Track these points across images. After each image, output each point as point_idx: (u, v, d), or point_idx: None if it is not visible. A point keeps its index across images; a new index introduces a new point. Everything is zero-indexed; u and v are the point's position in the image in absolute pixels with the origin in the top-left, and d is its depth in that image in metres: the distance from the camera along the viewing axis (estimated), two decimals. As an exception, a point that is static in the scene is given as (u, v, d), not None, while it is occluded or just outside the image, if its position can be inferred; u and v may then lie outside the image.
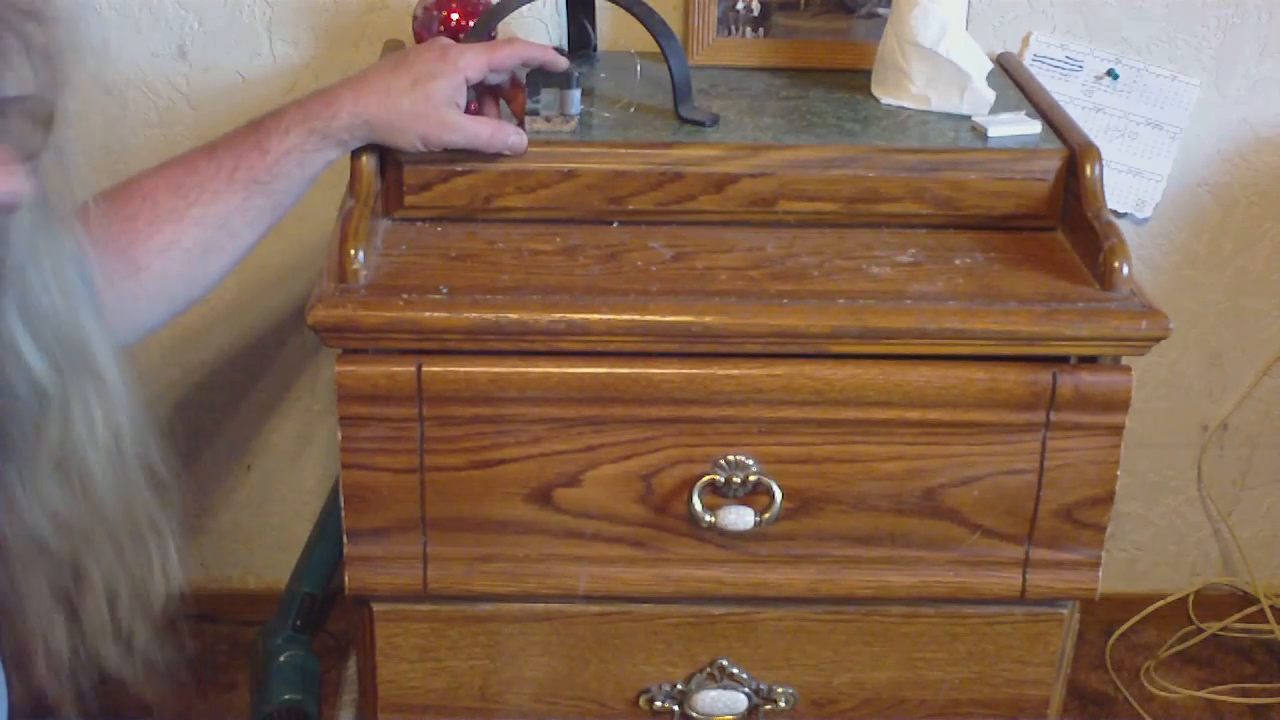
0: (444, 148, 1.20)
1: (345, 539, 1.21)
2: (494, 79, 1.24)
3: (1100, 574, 1.24)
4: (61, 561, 0.87)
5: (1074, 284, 1.20)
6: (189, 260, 1.13)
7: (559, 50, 1.52)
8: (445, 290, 1.15)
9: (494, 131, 1.21)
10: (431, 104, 1.18)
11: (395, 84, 1.17)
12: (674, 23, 1.43)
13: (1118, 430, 1.18)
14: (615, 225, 1.27)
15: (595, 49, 1.51)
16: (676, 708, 1.30)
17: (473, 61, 1.20)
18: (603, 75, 1.44)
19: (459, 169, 1.24)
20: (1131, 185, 1.67)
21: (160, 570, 0.92)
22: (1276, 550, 1.94)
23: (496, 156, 1.23)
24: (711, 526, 1.20)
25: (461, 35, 1.38)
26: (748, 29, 1.51)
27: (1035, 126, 1.32)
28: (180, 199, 1.12)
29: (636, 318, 1.14)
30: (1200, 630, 1.94)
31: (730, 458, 1.19)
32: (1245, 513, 1.91)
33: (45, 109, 0.77)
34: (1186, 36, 1.61)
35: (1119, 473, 1.20)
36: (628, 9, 1.30)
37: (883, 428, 1.18)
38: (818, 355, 1.16)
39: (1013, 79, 1.47)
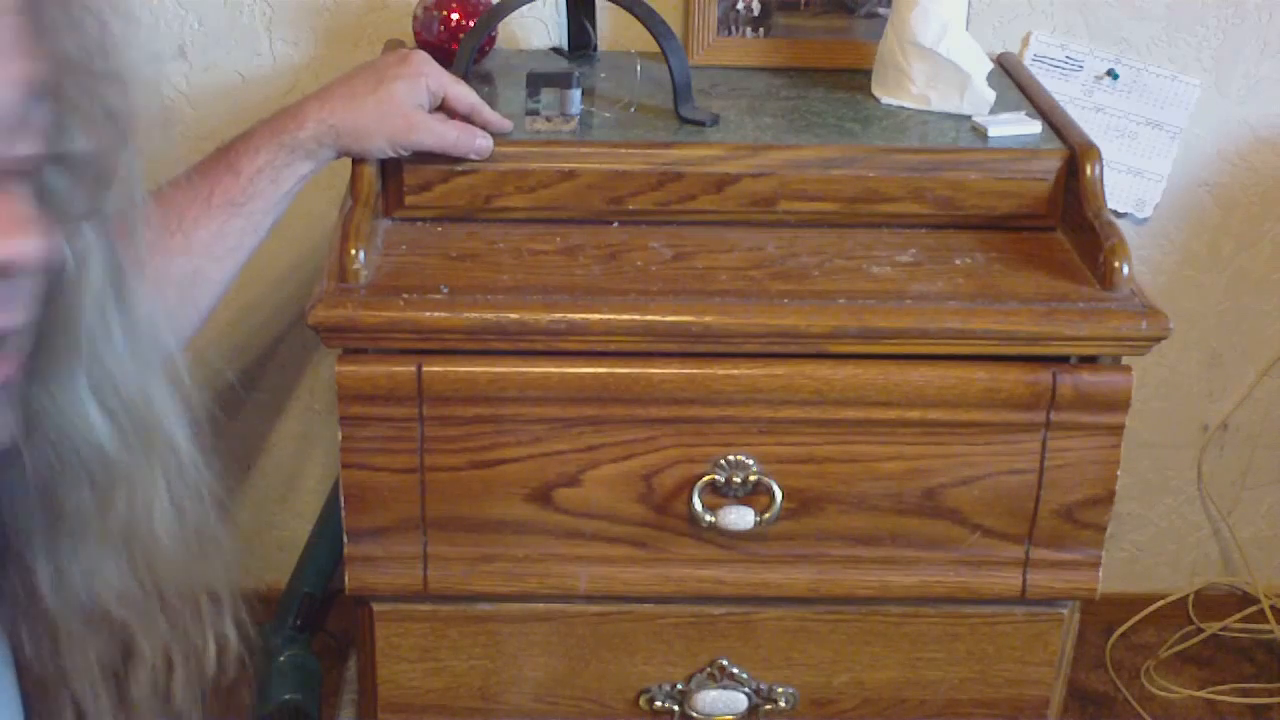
0: (411, 149, 1.20)
1: (345, 539, 1.21)
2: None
3: (1100, 574, 1.24)
4: (113, 636, 0.83)
5: (1074, 284, 1.20)
6: (177, 293, 1.12)
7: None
8: (445, 290, 1.15)
9: (460, 134, 1.21)
10: (396, 104, 1.18)
11: (359, 88, 1.18)
12: (674, 23, 1.43)
13: (1118, 430, 1.18)
14: (615, 225, 1.27)
15: (595, 49, 1.51)
16: (676, 708, 1.30)
17: (435, 73, 1.21)
18: (603, 75, 1.44)
19: (459, 169, 1.24)
20: (1131, 185, 1.67)
21: (215, 640, 0.87)
22: (1276, 550, 1.94)
23: (497, 157, 1.23)
24: (712, 526, 1.20)
25: (462, 35, 1.39)
26: (748, 29, 1.51)
27: (1035, 126, 1.32)
28: (159, 232, 1.09)
29: (636, 318, 1.14)
30: (1200, 630, 1.94)
31: (730, 458, 1.19)
32: (1245, 513, 1.91)
33: (101, 170, 0.74)
34: (1186, 36, 1.61)
35: (1119, 473, 1.20)
36: (628, 9, 1.30)
37: (883, 428, 1.18)
38: (818, 355, 1.16)
39: (1013, 79, 1.47)
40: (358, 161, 1.21)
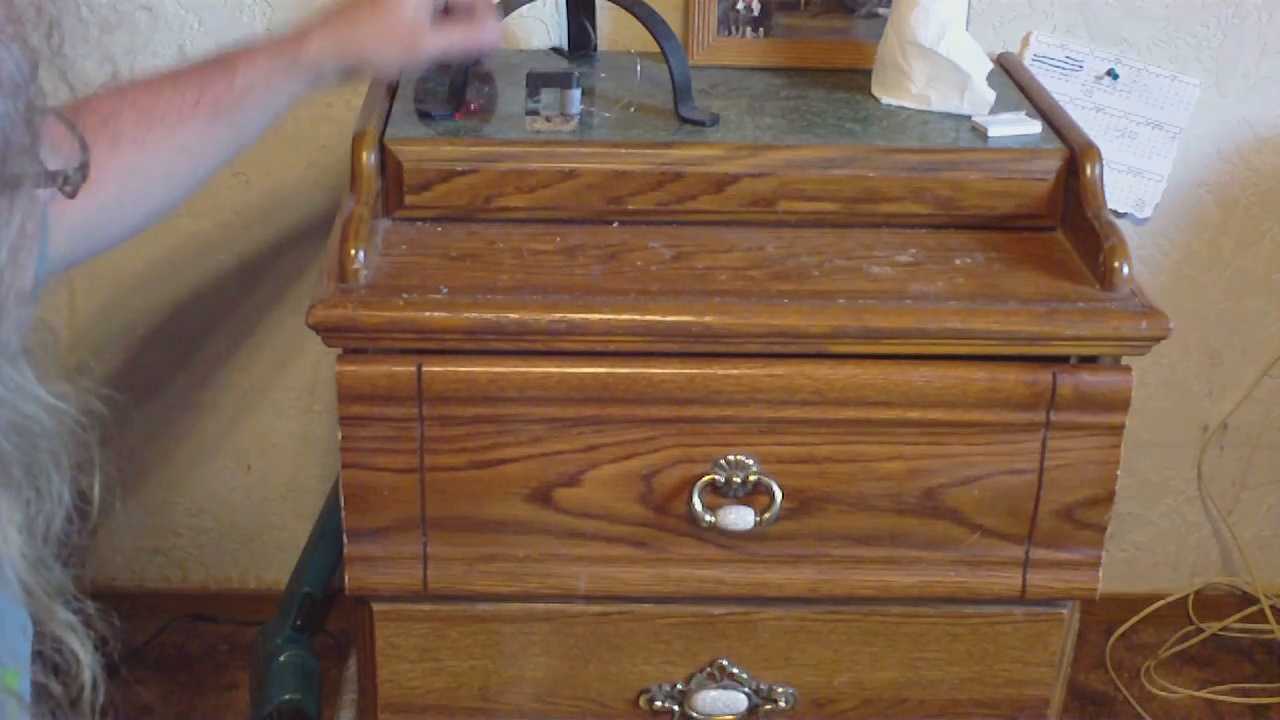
0: (419, 61, 1.19)
1: (345, 539, 1.21)
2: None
3: (1100, 574, 1.24)
4: None
5: (1074, 284, 1.20)
6: (146, 186, 1.10)
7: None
8: (445, 290, 1.15)
9: (466, 33, 1.20)
10: (398, 18, 1.17)
11: (360, 7, 1.17)
12: (674, 23, 1.43)
13: (1118, 430, 1.18)
14: (615, 225, 1.27)
15: (595, 49, 1.51)
16: (676, 708, 1.30)
17: None
18: (603, 75, 1.44)
19: (459, 169, 1.24)
20: (1131, 185, 1.67)
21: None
22: (1276, 550, 1.94)
23: (497, 157, 1.23)
24: (712, 526, 1.20)
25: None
26: (748, 29, 1.51)
27: (1035, 126, 1.32)
28: (142, 123, 1.09)
29: (636, 318, 1.14)
30: (1200, 630, 1.94)
31: (730, 458, 1.19)
32: (1245, 513, 1.91)
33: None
34: (1186, 36, 1.61)
35: (1119, 473, 1.20)
36: (628, 9, 1.30)
37: (883, 428, 1.18)
38: (818, 355, 1.16)
39: (1013, 79, 1.47)
40: (358, 160, 1.21)
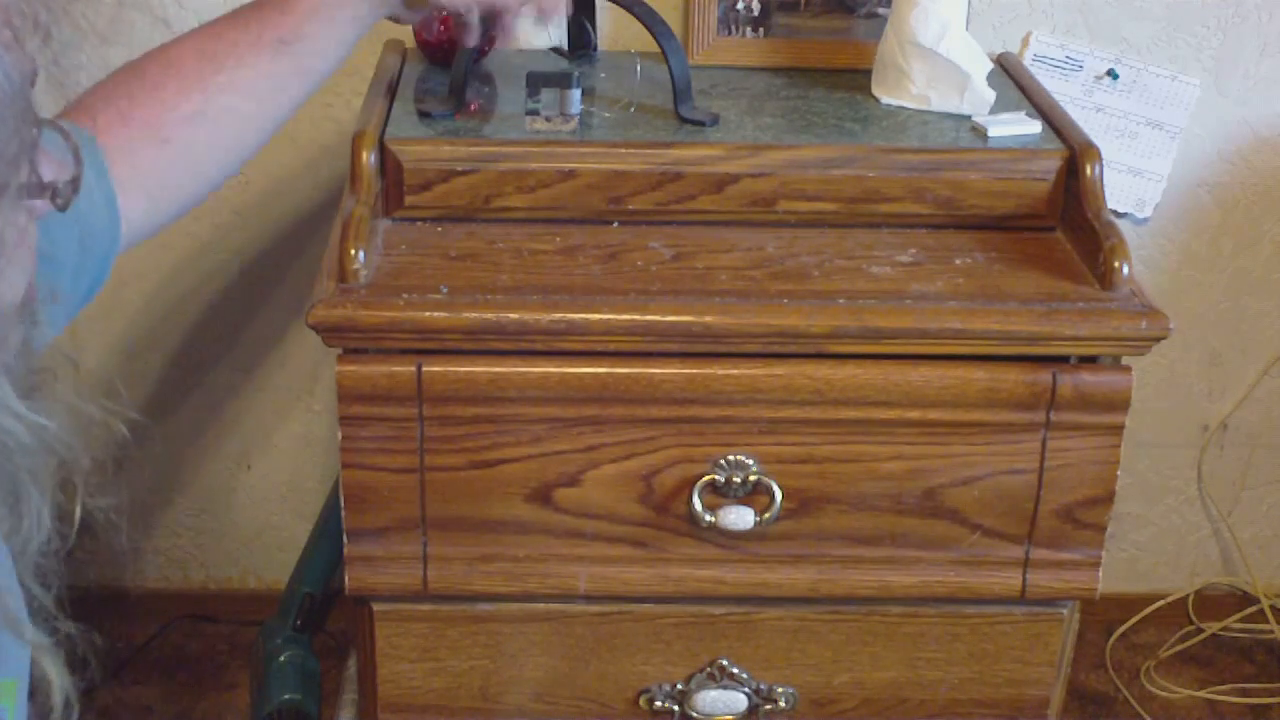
0: (467, 6, 1.16)
1: (345, 539, 1.21)
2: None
3: (1100, 574, 1.24)
4: None
5: (1074, 284, 1.20)
6: (217, 131, 1.08)
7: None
8: (445, 290, 1.15)
9: None
10: None
11: None
12: (674, 23, 1.43)
13: (1118, 430, 1.18)
14: (615, 225, 1.27)
15: (595, 49, 1.51)
16: (676, 708, 1.30)
17: None
18: (603, 75, 1.44)
19: (459, 169, 1.24)
20: (1131, 185, 1.67)
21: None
22: (1276, 550, 1.94)
23: (497, 157, 1.23)
24: (711, 526, 1.20)
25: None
26: (748, 29, 1.51)
27: (1035, 126, 1.32)
28: (206, 64, 1.06)
29: (636, 318, 1.14)
30: (1200, 630, 1.94)
31: (730, 458, 1.19)
32: (1245, 513, 1.91)
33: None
34: (1186, 36, 1.61)
35: (1119, 473, 1.20)
36: (628, 9, 1.30)
37: (883, 428, 1.18)
38: (818, 355, 1.16)
39: (1013, 79, 1.47)
40: (357, 160, 1.21)
